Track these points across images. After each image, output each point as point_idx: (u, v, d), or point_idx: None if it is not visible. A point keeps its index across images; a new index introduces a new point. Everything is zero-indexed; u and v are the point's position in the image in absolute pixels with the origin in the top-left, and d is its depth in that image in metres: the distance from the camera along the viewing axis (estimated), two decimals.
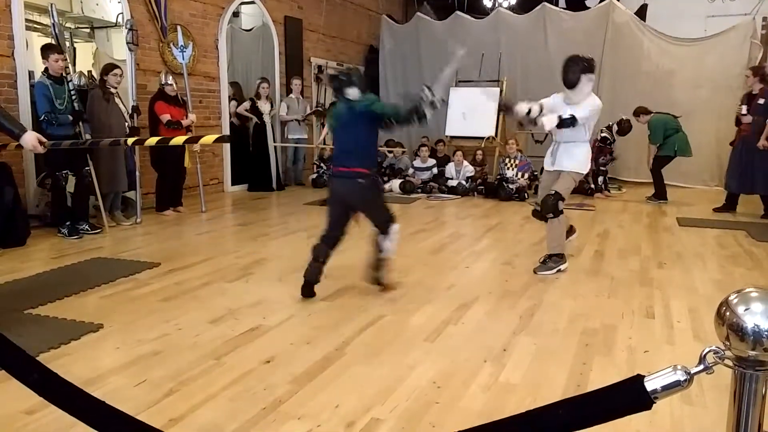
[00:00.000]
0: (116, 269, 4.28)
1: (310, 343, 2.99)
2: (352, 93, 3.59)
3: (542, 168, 4.75)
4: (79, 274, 4.18)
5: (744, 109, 6.75)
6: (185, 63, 6.73)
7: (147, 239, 5.42)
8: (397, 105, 3.65)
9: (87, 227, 5.44)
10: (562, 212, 4.33)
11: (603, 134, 8.35)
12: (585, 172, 4.48)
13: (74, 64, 6.65)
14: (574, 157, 4.31)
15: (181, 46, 6.66)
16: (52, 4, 5.31)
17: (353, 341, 3.03)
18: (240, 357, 2.82)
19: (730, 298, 0.99)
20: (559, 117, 4.11)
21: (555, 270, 4.32)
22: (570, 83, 4.18)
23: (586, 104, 4.19)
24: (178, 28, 6.84)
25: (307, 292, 3.69)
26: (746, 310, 0.96)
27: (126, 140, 4.61)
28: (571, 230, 4.88)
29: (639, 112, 8.04)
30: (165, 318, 3.33)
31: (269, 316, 3.37)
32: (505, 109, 4.12)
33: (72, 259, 4.58)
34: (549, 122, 4.12)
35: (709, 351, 0.99)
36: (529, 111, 4.16)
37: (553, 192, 4.25)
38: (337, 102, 3.79)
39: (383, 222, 3.73)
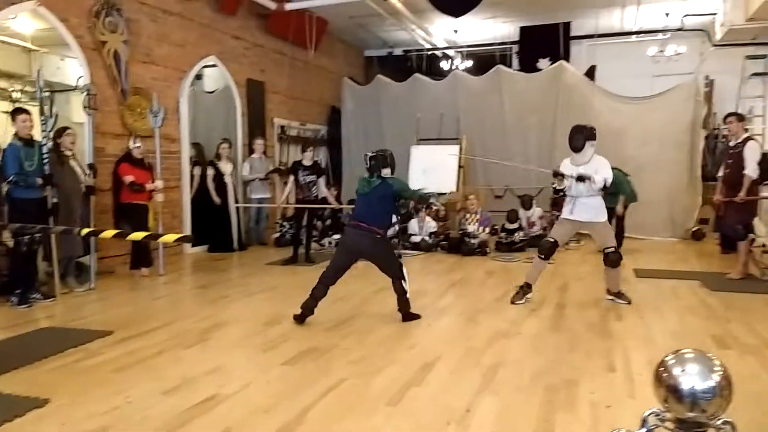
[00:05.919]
0: (66, 339, 4.10)
1: (268, 412, 2.89)
2: (386, 172, 4.57)
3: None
4: (28, 346, 4.00)
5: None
6: (158, 127, 6.70)
7: (101, 306, 5.24)
8: (412, 191, 4.73)
9: (38, 295, 5.24)
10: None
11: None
12: (605, 219, 5.24)
13: (53, 129, 6.28)
14: (595, 208, 5.10)
15: (155, 110, 6.66)
16: (39, 71, 5.34)
17: (313, 408, 2.94)
18: (194, 430, 2.70)
19: (666, 359, 1.00)
20: (597, 179, 4.96)
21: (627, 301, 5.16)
22: (576, 148, 5.10)
23: (603, 165, 5.03)
24: (154, 95, 6.85)
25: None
26: (682, 371, 0.97)
27: (80, 230, 4.56)
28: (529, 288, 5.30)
29: None
30: (116, 390, 3.18)
31: (226, 384, 3.26)
32: (555, 175, 5.21)
33: (20, 330, 4.38)
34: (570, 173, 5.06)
35: (651, 413, 0.99)
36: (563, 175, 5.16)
37: (613, 248, 5.14)
38: (370, 174, 4.61)
39: (395, 271, 4.61)
